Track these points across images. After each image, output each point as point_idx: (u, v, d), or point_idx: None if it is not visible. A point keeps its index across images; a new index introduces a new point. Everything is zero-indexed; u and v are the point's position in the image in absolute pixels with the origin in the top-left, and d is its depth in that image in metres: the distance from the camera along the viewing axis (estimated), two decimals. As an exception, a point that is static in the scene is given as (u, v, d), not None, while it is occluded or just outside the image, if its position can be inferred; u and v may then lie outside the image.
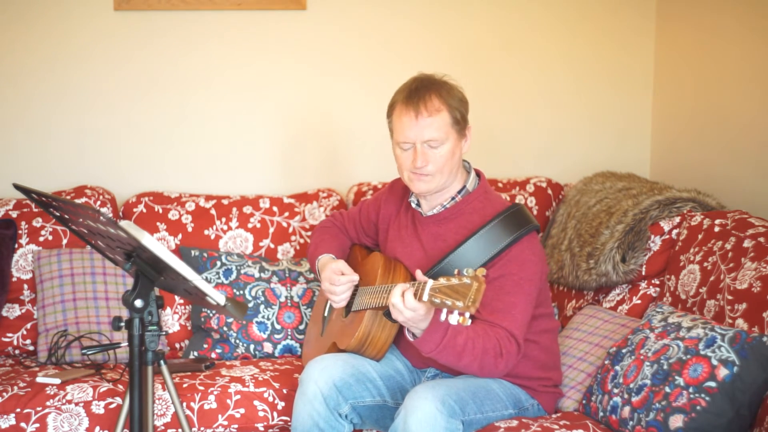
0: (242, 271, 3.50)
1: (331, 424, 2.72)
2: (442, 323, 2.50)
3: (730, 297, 2.74)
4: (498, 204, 2.79)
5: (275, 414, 3.07)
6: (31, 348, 3.46)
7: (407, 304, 2.44)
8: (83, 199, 3.61)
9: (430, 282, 2.39)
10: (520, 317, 2.64)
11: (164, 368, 2.47)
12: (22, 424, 2.95)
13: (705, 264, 2.93)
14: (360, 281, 2.91)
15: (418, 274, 2.49)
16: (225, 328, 3.43)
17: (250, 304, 3.45)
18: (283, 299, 3.48)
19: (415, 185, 2.76)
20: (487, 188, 2.83)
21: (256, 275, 3.50)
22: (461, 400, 2.59)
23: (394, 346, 2.92)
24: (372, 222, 3.04)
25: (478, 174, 2.85)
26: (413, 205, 2.86)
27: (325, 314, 3.09)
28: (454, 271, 2.37)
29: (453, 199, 2.79)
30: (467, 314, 2.30)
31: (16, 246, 3.52)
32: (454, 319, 2.31)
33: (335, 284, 2.84)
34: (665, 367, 2.53)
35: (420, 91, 2.72)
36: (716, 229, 2.99)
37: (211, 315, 3.45)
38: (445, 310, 2.33)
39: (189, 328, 3.56)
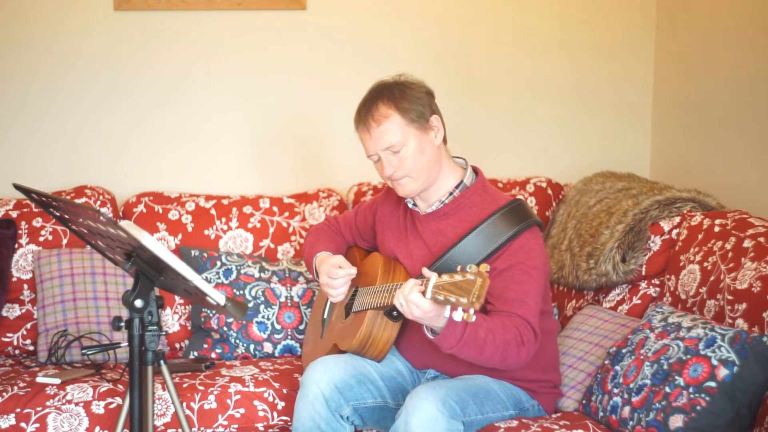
0: (242, 271, 3.50)
1: (332, 425, 2.72)
2: (460, 322, 2.49)
3: (730, 297, 2.74)
4: (498, 198, 2.78)
5: (275, 414, 3.07)
6: (31, 348, 3.46)
7: (413, 300, 2.43)
8: (83, 199, 3.61)
9: (434, 279, 2.39)
10: (533, 305, 2.64)
11: (164, 368, 2.47)
12: (22, 424, 2.95)
13: (705, 264, 2.92)
14: (359, 281, 2.91)
15: (425, 270, 2.49)
16: (225, 328, 3.43)
17: (250, 304, 3.45)
18: (283, 299, 3.48)
19: (398, 191, 2.78)
20: (486, 183, 2.83)
21: (256, 275, 3.50)
22: (462, 400, 2.59)
23: (395, 347, 2.92)
24: (369, 225, 3.04)
25: (476, 171, 2.85)
26: (410, 206, 2.86)
27: (325, 316, 3.08)
28: (456, 268, 2.37)
29: (451, 194, 2.79)
30: (471, 310, 2.30)
31: (16, 246, 3.52)
32: (458, 315, 2.31)
33: (333, 277, 2.83)
34: (665, 367, 2.53)
35: (368, 103, 2.75)
36: (716, 229, 2.99)
37: (211, 315, 3.45)
38: (449, 307, 2.34)
39: (189, 328, 3.56)
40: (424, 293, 2.40)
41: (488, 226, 2.68)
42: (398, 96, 2.72)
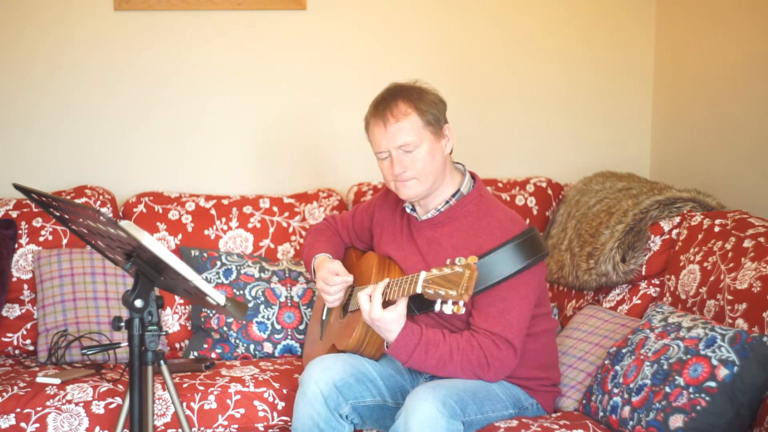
0: (242, 271, 3.50)
1: (331, 424, 2.72)
2: (412, 338, 2.58)
3: (730, 297, 2.74)
4: (494, 208, 2.77)
5: (275, 414, 3.07)
6: (31, 348, 3.46)
7: (374, 300, 2.56)
8: (83, 199, 3.61)
9: (423, 273, 2.44)
10: (516, 321, 2.64)
11: (164, 368, 2.47)
12: (22, 424, 2.95)
13: (705, 264, 2.92)
14: (356, 281, 2.91)
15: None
16: (225, 328, 3.43)
17: (250, 304, 3.45)
18: (283, 299, 3.48)
19: (401, 192, 2.76)
20: (483, 191, 2.82)
21: (256, 275, 3.50)
22: (462, 400, 2.59)
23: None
24: (366, 228, 3.04)
25: (473, 176, 2.85)
26: (408, 210, 2.86)
27: (324, 317, 3.09)
28: (446, 261, 2.42)
29: (447, 202, 2.78)
30: (461, 302, 2.35)
31: (16, 246, 3.52)
32: (448, 308, 2.37)
33: (329, 284, 2.86)
34: (665, 367, 2.53)
35: (387, 99, 2.75)
36: (716, 229, 2.99)
37: (211, 315, 3.45)
38: (439, 301, 2.39)
39: (189, 328, 3.56)
40: (414, 288, 2.46)
41: (501, 254, 2.63)
42: (416, 97, 2.73)
